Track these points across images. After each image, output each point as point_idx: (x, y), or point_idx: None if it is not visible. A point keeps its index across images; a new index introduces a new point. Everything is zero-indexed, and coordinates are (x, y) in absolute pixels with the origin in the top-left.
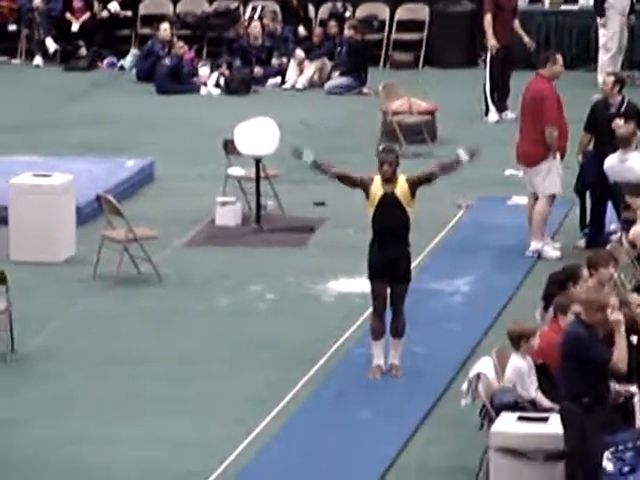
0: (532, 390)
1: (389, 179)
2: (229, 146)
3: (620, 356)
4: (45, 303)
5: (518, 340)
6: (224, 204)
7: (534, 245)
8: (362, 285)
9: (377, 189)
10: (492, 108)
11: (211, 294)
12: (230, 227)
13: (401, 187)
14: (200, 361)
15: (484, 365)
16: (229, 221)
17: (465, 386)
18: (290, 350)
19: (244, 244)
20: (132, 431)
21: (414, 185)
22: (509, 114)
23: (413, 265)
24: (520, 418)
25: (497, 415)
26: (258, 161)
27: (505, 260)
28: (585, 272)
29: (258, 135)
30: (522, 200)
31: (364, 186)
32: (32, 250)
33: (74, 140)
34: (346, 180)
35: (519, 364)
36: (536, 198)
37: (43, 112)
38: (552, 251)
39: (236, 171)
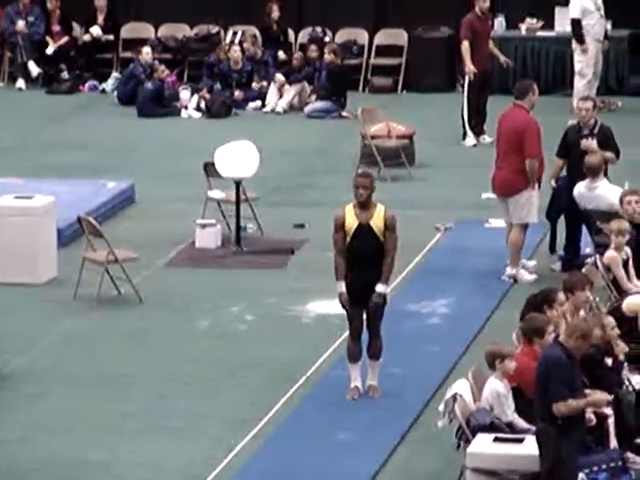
0: (509, 413)
1: (364, 204)
2: (209, 169)
3: (573, 408)
4: (27, 324)
5: (492, 361)
6: (204, 226)
7: (509, 271)
8: (339, 307)
9: (352, 220)
10: (469, 133)
11: (191, 315)
12: (210, 249)
13: (377, 218)
14: (181, 381)
15: (461, 386)
16: (209, 243)
17: (442, 407)
18: (270, 371)
19: (224, 266)
20: (114, 451)
21: (385, 225)
22: (486, 138)
23: (391, 287)
24: (496, 439)
25: (473, 436)
26: (238, 184)
27: (482, 283)
28: (561, 296)
29: (238, 158)
30: (499, 223)
31: (343, 229)
32: (13, 271)
33: (56, 162)
34: (343, 248)
35: (496, 386)
36: (512, 225)
37: (25, 135)
38: (527, 275)
39: (216, 194)
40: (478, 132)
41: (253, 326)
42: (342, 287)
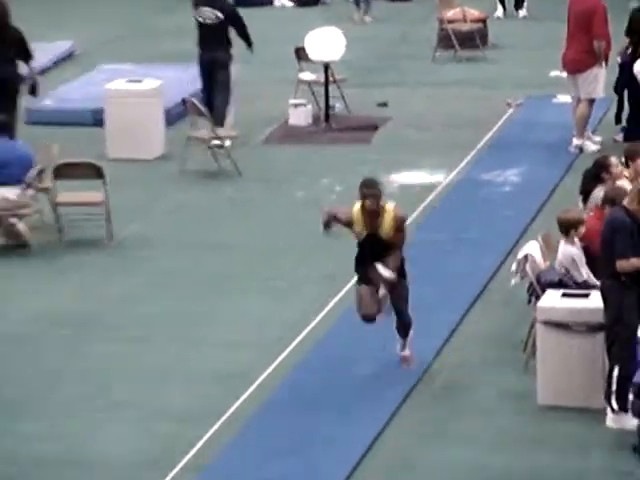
0: (584, 272)
1: (373, 212)
2: (300, 53)
3: (635, 265)
4: (138, 196)
5: (568, 228)
6: (297, 106)
7: (576, 141)
8: (421, 177)
9: (360, 229)
10: (498, 6)
11: (286, 187)
12: (302, 126)
13: (387, 224)
14: (278, 246)
15: (531, 247)
16: (301, 121)
17: (514, 266)
18: None
19: (315, 142)
20: (218, 306)
21: (396, 226)
22: (521, 13)
23: (466, 160)
24: (564, 294)
25: (543, 292)
26: (327, 66)
27: (550, 154)
28: (613, 159)
29: (327, 43)
30: (566, 99)
31: (350, 226)
32: (126, 148)
33: (163, 50)
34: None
35: (570, 251)
36: (579, 100)
37: (135, 24)
38: (592, 145)
39: (307, 76)
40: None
41: (342, 196)
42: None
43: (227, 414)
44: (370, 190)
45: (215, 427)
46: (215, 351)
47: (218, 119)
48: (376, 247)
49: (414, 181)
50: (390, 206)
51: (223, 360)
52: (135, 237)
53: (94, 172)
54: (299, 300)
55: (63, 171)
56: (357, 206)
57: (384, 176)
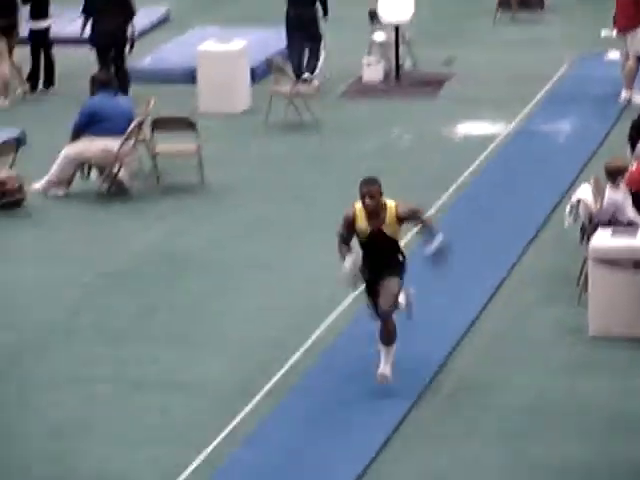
0: (630, 213)
1: (373, 212)
2: (373, 15)
3: None
4: (227, 146)
5: (615, 175)
6: (369, 64)
7: (624, 94)
8: (482, 128)
9: (363, 225)
10: None
11: (360, 137)
12: (374, 82)
13: (389, 221)
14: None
15: (584, 191)
16: (374, 78)
17: (568, 209)
18: (427, 178)
19: (386, 96)
20: (300, 256)
21: (403, 220)
22: None
23: (524, 112)
24: (614, 234)
25: (594, 232)
26: (397, 27)
27: (601, 106)
28: None
29: (397, 5)
30: (616, 56)
31: (352, 227)
32: (216, 103)
33: (248, 13)
34: (349, 236)
35: (614, 197)
36: (627, 56)
37: None
38: (639, 98)
39: (379, 36)
40: None
41: (411, 145)
42: (348, 262)
43: (308, 343)
44: (369, 188)
45: (298, 353)
46: (295, 292)
47: (310, 68)
48: (380, 244)
49: (476, 132)
50: (391, 203)
51: (302, 299)
52: (223, 185)
53: (187, 125)
54: None
55: (160, 124)
56: (359, 204)
57: (449, 127)
